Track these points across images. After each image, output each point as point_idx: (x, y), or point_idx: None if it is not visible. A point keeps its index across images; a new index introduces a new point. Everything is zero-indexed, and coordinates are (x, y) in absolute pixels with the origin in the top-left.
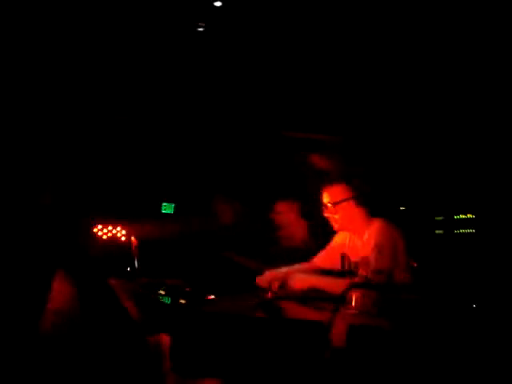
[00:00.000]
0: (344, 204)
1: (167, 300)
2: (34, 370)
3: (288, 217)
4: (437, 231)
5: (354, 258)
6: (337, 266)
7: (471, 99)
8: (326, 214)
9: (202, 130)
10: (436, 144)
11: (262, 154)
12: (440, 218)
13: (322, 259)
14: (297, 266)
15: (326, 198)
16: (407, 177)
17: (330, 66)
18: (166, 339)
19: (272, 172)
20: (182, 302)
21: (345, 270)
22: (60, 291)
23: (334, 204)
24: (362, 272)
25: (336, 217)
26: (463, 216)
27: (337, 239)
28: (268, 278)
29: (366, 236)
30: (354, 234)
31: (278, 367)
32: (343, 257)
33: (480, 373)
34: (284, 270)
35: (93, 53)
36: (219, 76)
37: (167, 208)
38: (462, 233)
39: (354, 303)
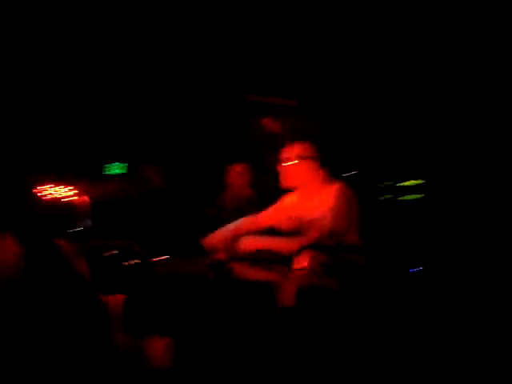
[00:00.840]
0: (306, 161)
1: (118, 260)
2: None
3: (238, 178)
4: (385, 196)
5: (304, 219)
6: (283, 225)
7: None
8: (282, 171)
9: (157, 90)
10: (388, 109)
11: (218, 116)
12: (389, 183)
13: (268, 217)
14: (240, 222)
15: (289, 153)
16: (359, 141)
17: (287, 27)
18: (117, 299)
19: (225, 135)
20: (134, 262)
21: (292, 231)
22: (5, 250)
23: (299, 158)
24: (313, 233)
25: (294, 173)
26: (412, 182)
27: (287, 199)
28: (216, 239)
29: (322, 197)
30: (309, 194)
31: (227, 327)
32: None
33: (416, 332)
34: (230, 227)
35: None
36: (176, 33)
37: (117, 168)
38: (410, 199)
39: (303, 265)
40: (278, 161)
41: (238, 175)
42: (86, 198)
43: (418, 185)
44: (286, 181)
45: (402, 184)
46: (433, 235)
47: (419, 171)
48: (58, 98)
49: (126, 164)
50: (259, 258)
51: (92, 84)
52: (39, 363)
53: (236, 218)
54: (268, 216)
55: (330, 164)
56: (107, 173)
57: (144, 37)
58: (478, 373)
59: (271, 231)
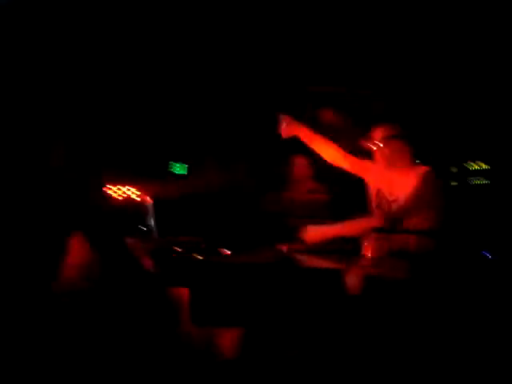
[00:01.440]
0: (394, 141)
1: (184, 256)
2: (54, 325)
3: (302, 171)
4: (452, 183)
5: (388, 193)
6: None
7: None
8: (373, 150)
9: (214, 89)
10: (452, 97)
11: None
12: (455, 170)
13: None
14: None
15: (378, 133)
16: (422, 128)
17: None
18: (183, 292)
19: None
20: (199, 257)
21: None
22: (79, 249)
23: (387, 138)
24: (375, 221)
25: (385, 152)
26: (477, 167)
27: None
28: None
29: (408, 178)
30: (396, 173)
31: (296, 316)
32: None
33: (491, 323)
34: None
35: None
36: (229, 34)
37: (180, 169)
38: (477, 184)
39: (370, 252)
40: (364, 143)
41: (301, 168)
42: (148, 199)
43: (484, 170)
44: (376, 159)
45: (469, 168)
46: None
47: (486, 156)
48: (127, 99)
49: (187, 165)
50: (327, 249)
51: (157, 84)
52: (112, 356)
53: (301, 210)
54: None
55: (415, 146)
56: (173, 170)
57: (206, 32)
58: None
59: None
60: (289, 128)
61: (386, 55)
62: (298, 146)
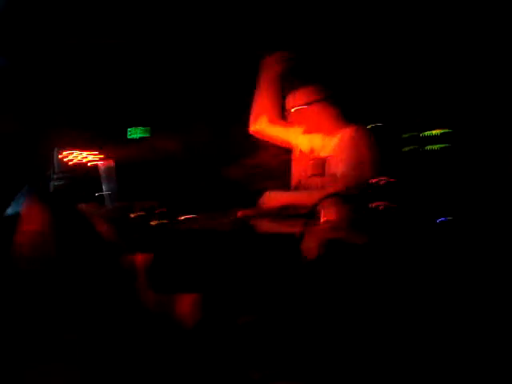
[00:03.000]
0: (316, 105)
1: (144, 221)
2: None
3: None
4: (410, 147)
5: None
6: (299, 167)
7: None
8: (294, 116)
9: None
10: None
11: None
12: (414, 133)
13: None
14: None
15: (297, 100)
16: (380, 90)
17: None
18: (142, 258)
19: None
20: (159, 222)
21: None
22: (33, 215)
23: (307, 104)
24: (334, 188)
25: (307, 118)
26: (436, 132)
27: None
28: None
29: (334, 139)
30: (322, 135)
31: (253, 280)
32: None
33: (449, 286)
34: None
35: None
36: None
37: (140, 132)
38: (433, 149)
39: (326, 216)
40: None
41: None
42: (110, 162)
43: (443, 134)
44: (300, 126)
45: (426, 134)
46: (459, 185)
47: (444, 120)
48: (85, 63)
49: (149, 128)
50: (283, 213)
51: (115, 47)
52: (72, 324)
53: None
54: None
55: (344, 102)
56: (131, 137)
57: None
58: None
59: None
60: None
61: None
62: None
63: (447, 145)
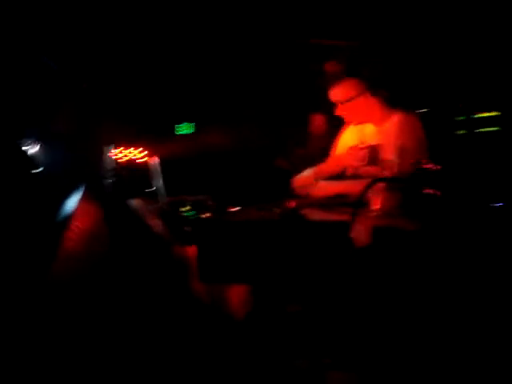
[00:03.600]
0: (359, 98)
1: (191, 215)
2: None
3: (321, 128)
4: (459, 132)
5: (362, 146)
6: (351, 159)
7: None
8: (339, 113)
9: (214, 47)
10: (454, 43)
11: (281, 67)
12: (462, 118)
13: (337, 154)
14: (318, 166)
15: (336, 97)
16: (425, 78)
17: None
18: (192, 250)
19: (296, 86)
20: (207, 215)
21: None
22: (86, 212)
23: (346, 101)
24: (385, 174)
25: (351, 113)
26: (487, 114)
27: (347, 132)
28: (300, 181)
29: (384, 127)
30: (373, 124)
31: (304, 270)
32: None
33: (497, 273)
34: (309, 172)
35: None
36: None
37: (186, 128)
38: (486, 131)
39: (376, 204)
40: (332, 103)
41: (318, 126)
42: (156, 159)
43: (493, 117)
44: (346, 121)
45: (477, 116)
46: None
47: (494, 103)
48: (132, 62)
49: (194, 124)
50: (333, 203)
51: (161, 46)
52: (122, 316)
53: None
54: (336, 153)
55: (389, 95)
56: (179, 133)
57: None
58: None
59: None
60: None
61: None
62: (313, 105)
63: (498, 128)
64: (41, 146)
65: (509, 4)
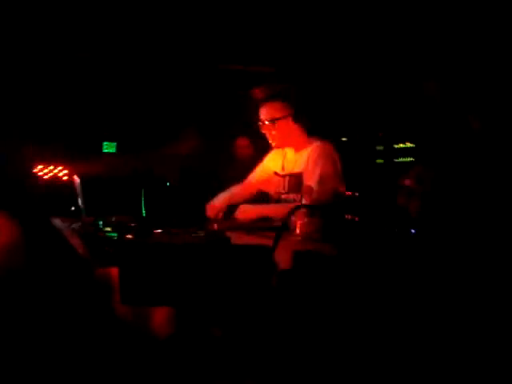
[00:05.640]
0: (282, 121)
1: (114, 235)
2: None
3: (245, 152)
4: (378, 161)
5: (284, 173)
6: (272, 186)
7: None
8: (263, 131)
9: (141, 65)
10: (374, 74)
11: (204, 90)
12: (381, 148)
13: (257, 178)
14: (234, 190)
15: (263, 115)
16: (347, 108)
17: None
18: (114, 272)
19: (215, 107)
20: (129, 236)
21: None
22: (4, 228)
23: (272, 121)
24: (305, 201)
25: (274, 133)
26: (402, 145)
27: (270, 158)
28: (213, 208)
29: (304, 154)
30: (293, 150)
31: (226, 292)
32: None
33: (422, 296)
34: (224, 196)
35: None
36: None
37: (109, 147)
38: (402, 162)
39: (297, 229)
40: (255, 123)
41: (242, 149)
42: (76, 177)
43: (409, 148)
44: (269, 142)
45: (395, 147)
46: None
47: (411, 135)
48: (57, 81)
49: (116, 143)
50: (256, 226)
51: (86, 66)
52: (43, 339)
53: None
54: (258, 178)
55: (310, 119)
56: (106, 151)
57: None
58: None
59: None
60: None
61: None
62: (238, 128)
63: (412, 159)
64: None
65: (426, 32)
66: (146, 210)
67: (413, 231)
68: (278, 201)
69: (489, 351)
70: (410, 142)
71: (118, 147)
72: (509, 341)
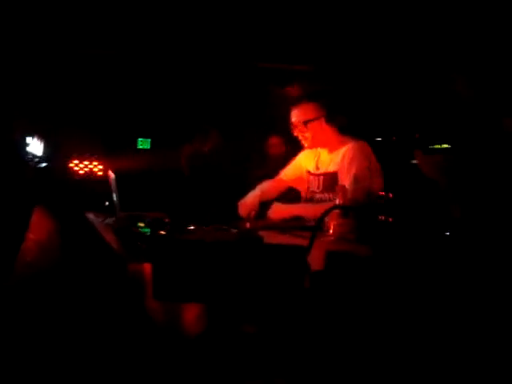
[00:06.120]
0: (315, 122)
1: (147, 231)
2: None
3: (277, 150)
4: (413, 161)
5: (317, 172)
6: (304, 184)
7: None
8: (295, 133)
9: (176, 64)
10: (412, 73)
11: (238, 87)
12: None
13: (289, 176)
14: (264, 185)
15: (295, 117)
16: (383, 107)
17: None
18: (147, 268)
19: (250, 105)
20: (162, 232)
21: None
22: (40, 224)
23: (305, 123)
24: (339, 201)
25: (307, 135)
26: (438, 146)
27: (303, 156)
28: (245, 206)
29: (339, 154)
30: (327, 150)
31: (259, 291)
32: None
33: (457, 296)
34: (256, 192)
35: None
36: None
37: (143, 143)
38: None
39: (331, 229)
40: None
41: (274, 147)
42: (111, 173)
43: (445, 149)
44: (301, 143)
45: (431, 147)
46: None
47: (447, 135)
48: (95, 78)
49: (150, 139)
50: (289, 226)
51: (123, 64)
52: (75, 332)
53: None
54: (290, 175)
55: (344, 120)
56: (140, 147)
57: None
58: None
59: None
60: None
61: (327, 31)
62: (271, 127)
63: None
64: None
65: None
66: (179, 208)
67: (447, 233)
68: (311, 200)
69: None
70: (447, 143)
71: (152, 144)
72: None
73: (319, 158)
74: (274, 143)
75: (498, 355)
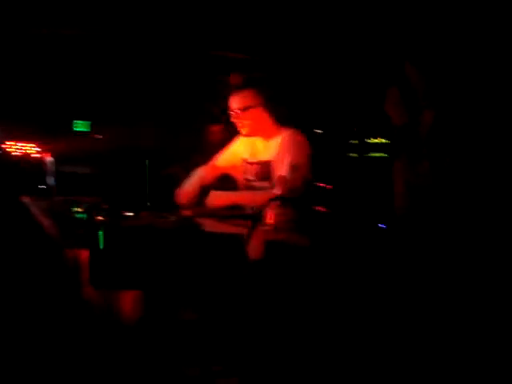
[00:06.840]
0: (253, 110)
1: (84, 217)
2: None
3: (218, 137)
4: (351, 154)
5: (253, 160)
6: (239, 172)
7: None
8: (234, 120)
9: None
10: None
11: (183, 74)
12: (355, 142)
13: (223, 163)
14: (200, 172)
15: (234, 104)
16: (322, 100)
17: None
18: (84, 254)
19: (194, 91)
20: (100, 218)
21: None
22: None
23: (244, 109)
24: (277, 191)
25: (245, 122)
26: (375, 140)
27: (238, 143)
28: (183, 194)
29: (274, 142)
30: (262, 139)
31: (198, 279)
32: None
33: (390, 289)
34: (193, 180)
35: None
36: None
37: (82, 126)
38: (375, 157)
39: (270, 219)
40: (226, 111)
41: (216, 135)
42: (49, 156)
43: (382, 144)
44: (239, 130)
45: (368, 142)
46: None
47: (385, 130)
48: (28, 56)
49: (90, 122)
50: (228, 214)
51: (61, 40)
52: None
53: None
54: (224, 162)
55: (280, 109)
56: (76, 129)
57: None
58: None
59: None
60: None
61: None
62: (212, 115)
63: (385, 155)
64: None
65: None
66: (117, 192)
67: (382, 226)
68: (249, 188)
69: (475, 343)
70: (383, 138)
71: (91, 126)
72: (498, 334)
73: (254, 146)
74: (215, 130)
75: (425, 340)
